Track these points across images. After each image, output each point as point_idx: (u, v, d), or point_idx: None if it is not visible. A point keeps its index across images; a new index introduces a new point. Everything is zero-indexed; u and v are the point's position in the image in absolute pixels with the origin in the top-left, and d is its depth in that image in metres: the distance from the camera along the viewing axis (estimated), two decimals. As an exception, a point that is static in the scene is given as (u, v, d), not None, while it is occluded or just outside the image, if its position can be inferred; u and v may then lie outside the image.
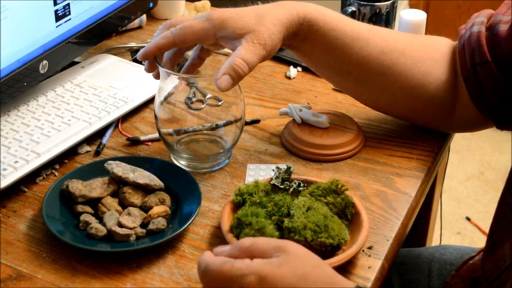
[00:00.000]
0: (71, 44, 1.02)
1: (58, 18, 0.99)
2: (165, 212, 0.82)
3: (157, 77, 0.90)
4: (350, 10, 1.19)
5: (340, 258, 0.75)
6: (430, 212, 1.26)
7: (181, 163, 0.92)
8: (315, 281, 0.65)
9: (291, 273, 0.64)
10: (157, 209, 0.82)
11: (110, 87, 1.04)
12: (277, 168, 0.85)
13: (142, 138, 0.98)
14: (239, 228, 0.77)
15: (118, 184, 0.85)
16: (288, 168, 0.85)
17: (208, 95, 0.94)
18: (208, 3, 1.29)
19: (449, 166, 1.30)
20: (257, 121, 1.02)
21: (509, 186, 0.88)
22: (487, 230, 0.92)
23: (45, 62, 0.98)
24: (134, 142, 0.97)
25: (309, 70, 1.11)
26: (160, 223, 0.80)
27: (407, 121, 1.01)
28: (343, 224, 0.78)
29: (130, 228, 0.79)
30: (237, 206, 0.82)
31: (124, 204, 0.83)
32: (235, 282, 0.64)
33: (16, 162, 0.88)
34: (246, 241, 0.68)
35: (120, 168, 0.85)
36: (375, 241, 0.81)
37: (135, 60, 1.13)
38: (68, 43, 1.02)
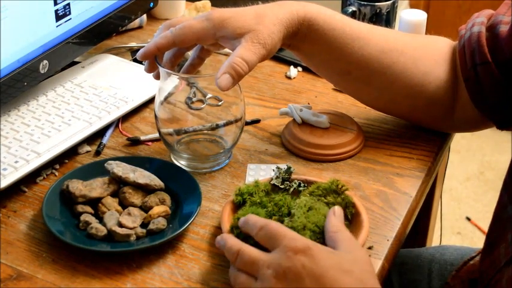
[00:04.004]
0: (71, 43, 1.02)
1: (58, 18, 0.99)
2: (165, 212, 0.82)
3: (157, 77, 0.90)
4: (350, 10, 1.19)
5: (340, 258, 0.74)
6: (430, 212, 1.26)
7: (181, 163, 0.92)
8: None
9: (337, 263, 0.67)
10: (158, 209, 0.82)
11: (110, 87, 1.04)
12: (278, 168, 0.85)
13: (142, 138, 0.98)
14: (240, 228, 0.76)
15: (118, 184, 0.85)
16: (288, 168, 0.85)
17: (209, 95, 0.94)
18: (209, 3, 1.29)
19: (449, 166, 1.30)
20: (257, 121, 1.02)
21: (505, 186, 0.88)
22: (487, 230, 0.92)
23: (45, 61, 0.98)
24: (134, 142, 0.97)
25: (309, 70, 1.11)
26: (160, 223, 0.80)
27: (408, 121, 1.01)
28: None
29: (131, 228, 0.79)
30: (237, 206, 0.82)
31: (124, 204, 0.83)
32: (285, 240, 0.68)
33: (16, 162, 0.88)
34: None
35: (121, 168, 0.85)
36: (375, 241, 0.81)
37: (136, 60, 1.13)
38: (68, 43, 1.02)
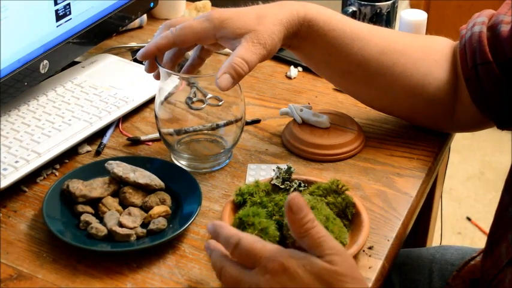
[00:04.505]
0: (71, 43, 1.02)
1: (58, 18, 0.99)
2: (166, 212, 0.82)
3: (157, 77, 0.90)
4: (351, 10, 1.19)
5: (340, 258, 0.74)
6: (431, 212, 1.26)
7: (181, 163, 0.92)
8: None
9: (314, 278, 0.65)
10: (158, 209, 0.82)
11: (111, 87, 1.04)
12: (278, 168, 0.85)
13: (142, 138, 0.98)
14: (241, 228, 0.76)
15: (118, 184, 0.85)
16: (289, 168, 0.85)
17: (209, 95, 0.94)
18: (209, 3, 1.29)
19: (449, 166, 1.30)
20: (258, 121, 1.02)
21: (507, 186, 0.88)
22: (487, 230, 0.92)
23: (45, 61, 0.98)
24: (135, 142, 0.97)
25: (309, 70, 1.11)
26: (160, 223, 0.80)
27: (408, 121, 1.01)
28: (344, 227, 0.78)
29: (131, 228, 0.79)
30: (237, 206, 0.82)
31: (124, 204, 0.83)
32: (261, 261, 0.65)
33: (17, 162, 0.88)
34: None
35: (121, 168, 0.85)
36: (376, 241, 0.81)
37: (136, 60, 1.13)
38: (69, 43, 1.02)
